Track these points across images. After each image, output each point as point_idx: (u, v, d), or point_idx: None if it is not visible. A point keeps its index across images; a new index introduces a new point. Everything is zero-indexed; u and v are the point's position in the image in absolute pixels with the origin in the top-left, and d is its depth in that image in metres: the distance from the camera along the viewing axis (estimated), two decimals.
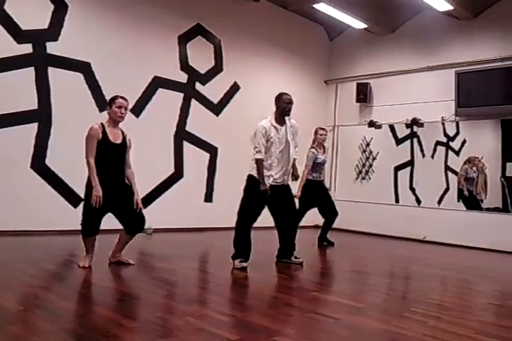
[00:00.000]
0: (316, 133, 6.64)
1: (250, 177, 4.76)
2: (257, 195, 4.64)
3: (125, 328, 2.61)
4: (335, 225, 8.89)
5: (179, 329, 2.68)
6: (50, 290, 3.34)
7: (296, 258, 5.05)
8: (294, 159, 4.94)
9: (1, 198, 5.66)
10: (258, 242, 4.94)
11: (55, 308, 2.96)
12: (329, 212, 6.79)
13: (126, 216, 4.23)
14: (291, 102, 4.83)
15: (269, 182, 4.66)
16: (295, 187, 5.98)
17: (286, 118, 4.87)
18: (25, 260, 4.29)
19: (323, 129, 6.69)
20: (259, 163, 4.65)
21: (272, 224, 5.12)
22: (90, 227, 4.12)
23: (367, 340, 2.75)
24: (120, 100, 4.22)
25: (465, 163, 7.98)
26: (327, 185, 8.02)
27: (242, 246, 4.67)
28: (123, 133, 4.32)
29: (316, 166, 6.57)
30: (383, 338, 2.82)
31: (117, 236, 4.41)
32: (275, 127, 4.75)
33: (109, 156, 4.15)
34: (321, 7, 7.87)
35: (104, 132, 4.14)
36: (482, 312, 3.52)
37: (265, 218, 4.91)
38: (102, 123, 4.19)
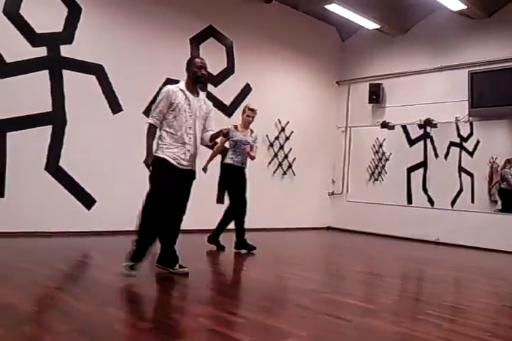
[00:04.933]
0: (243, 112, 5.81)
1: (158, 159, 3.91)
2: (164, 176, 3.88)
3: (137, 329, 2.62)
4: (349, 227, 8.84)
5: (191, 330, 2.69)
6: (64, 291, 3.37)
7: (180, 267, 4.15)
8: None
9: (16, 199, 5.72)
10: (262, 243, 4.93)
11: (68, 309, 2.98)
12: (243, 210, 5.79)
13: None
14: (204, 66, 4.06)
15: (183, 158, 3.94)
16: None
17: (201, 93, 4.18)
18: (39, 261, 4.33)
19: (251, 110, 5.72)
20: (150, 129, 3.92)
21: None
22: None
23: None
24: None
25: (505, 163, 7.84)
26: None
27: (141, 245, 3.86)
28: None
29: (235, 147, 5.62)
30: (396, 340, 2.80)
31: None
32: (184, 93, 3.98)
33: None
34: (333, 8, 7.86)
35: None
36: (497, 315, 3.49)
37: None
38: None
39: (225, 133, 4.07)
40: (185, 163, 3.98)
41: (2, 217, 5.60)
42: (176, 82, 7.19)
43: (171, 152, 3.92)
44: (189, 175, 4.10)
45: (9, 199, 5.69)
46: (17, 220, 5.68)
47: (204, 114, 4.11)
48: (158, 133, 4.00)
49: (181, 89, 3.98)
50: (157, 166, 3.90)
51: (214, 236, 5.81)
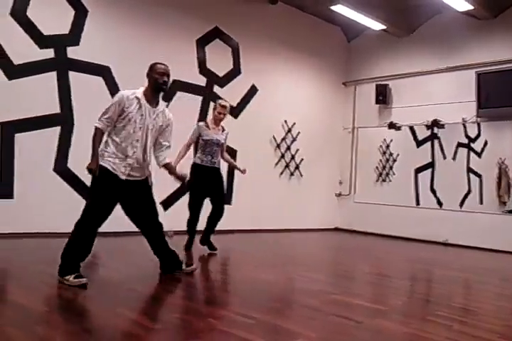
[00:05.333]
0: (214, 108, 5.50)
1: (100, 168, 3.58)
2: (105, 188, 3.63)
3: (147, 329, 2.63)
4: (356, 228, 8.83)
5: (201, 330, 2.69)
6: (74, 292, 3.38)
7: (187, 266, 4.16)
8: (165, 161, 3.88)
9: (25, 200, 5.75)
10: (269, 244, 4.93)
11: (79, 309, 2.99)
12: (220, 211, 5.50)
13: None
14: (166, 73, 3.77)
15: (122, 171, 3.64)
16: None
17: (162, 104, 3.86)
18: (49, 262, 4.33)
19: (223, 106, 5.38)
20: (97, 133, 3.61)
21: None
22: None
23: None
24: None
25: None
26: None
27: (76, 256, 3.59)
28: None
29: (205, 146, 5.30)
30: None
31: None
32: (139, 102, 3.66)
33: None
34: (339, 9, 7.84)
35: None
36: (507, 316, 3.47)
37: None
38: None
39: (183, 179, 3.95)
40: (125, 176, 3.66)
41: (12, 218, 5.64)
42: (184, 83, 7.28)
43: (111, 162, 3.61)
44: (140, 185, 3.79)
45: (18, 200, 5.73)
46: (26, 221, 5.71)
47: (158, 127, 3.77)
48: (104, 138, 3.69)
49: (137, 97, 3.66)
50: (98, 177, 3.59)
51: (204, 237, 5.57)
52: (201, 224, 5.52)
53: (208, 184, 5.34)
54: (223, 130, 5.49)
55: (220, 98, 6.59)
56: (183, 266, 4.11)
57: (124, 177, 3.64)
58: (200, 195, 5.35)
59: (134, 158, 3.66)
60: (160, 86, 3.73)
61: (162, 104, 3.85)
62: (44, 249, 5.18)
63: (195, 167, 5.32)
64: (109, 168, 3.60)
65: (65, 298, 3.27)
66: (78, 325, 2.66)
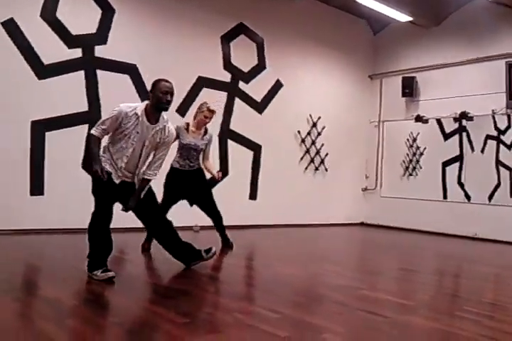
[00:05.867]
0: (200, 111, 5.03)
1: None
2: (103, 190, 3.68)
3: (175, 324, 2.67)
4: (382, 222, 8.74)
5: (228, 325, 2.72)
6: (103, 286, 3.45)
7: (207, 252, 4.13)
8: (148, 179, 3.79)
9: (55, 197, 5.90)
10: (295, 239, 4.92)
11: (107, 303, 3.06)
12: (211, 213, 5.30)
13: None
14: (170, 92, 3.64)
15: (115, 177, 3.68)
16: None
17: (163, 121, 3.70)
18: (78, 257, 4.43)
19: (211, 111, 5.02)
20: (93, 139, 3.62)
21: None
22: None
23: (418, 339, 2.70)
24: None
25: None
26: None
27: (99, 254, 3.70)
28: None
29: (182, 149, 4.96)
30: (435, 337, 2.77)
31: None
32: (137, 120, 3.59)
33: None
34: (364, 1, 7.74)
35: None
36: None
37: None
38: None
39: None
40: (119, 181, 3.70)
41: (42, 214, 5.79)
42: (210, 79, 7.30)
43: (108, 167, 3.65)
44: (135, 186, 3.79)
45: (48, 197, 5.87)
46: (56, 217, 5.85)
47: (155, 143, 3.71)
48: (104, 143, 3.74)
49: (136, 114, 3.58)
50: (96, 179, 3.64)
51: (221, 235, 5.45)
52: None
53: (185, 187, 5.04)
54: (205, 134, 5.08)
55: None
56: (203, 254, 4.10)
57: (117, 182, 3.69)
58: (173, 198, 5.00)
59: (125, 170, 3.68)
60: (162, 106, 3.63)
61: (163, 120, 3.71)
62: (73, 244, 5.29)
63: (172, 170, 5.01)
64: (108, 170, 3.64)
65: (95, 292, 3.35)
66: (107, 318, 2.72)
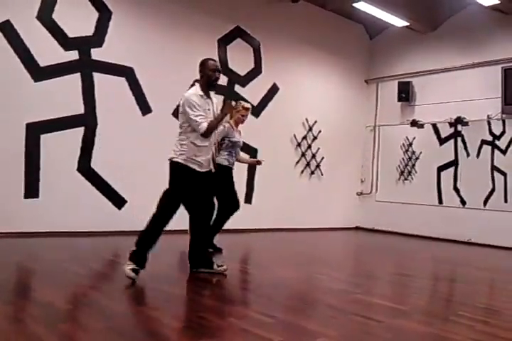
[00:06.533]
0: (236, 110, 5.24)
1: (177, 164, 3.84)
2: (190, 185, 3.89)
3: (170, 328, 2.67)
4: (378, 227, 8.74)
5: (223, 329, 2.72)
6: (98, 290, 3.45)
7: (219, 266, 4.17)
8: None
9: (50, 200, 5.88)
10: (290, 243, 4.93)
11: (102, 307, 3.04)
12: (230, 202, 5.34)
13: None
14: (218, 70, 3.96)
15: (199, 170, 3.87)
16: None
17: (212, 94, 4.05)
18: (74, 260, 4.44)
19: (246, 109, 5.31)
20: (208, 129, 3.80)
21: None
22: None
23: None
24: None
25: None
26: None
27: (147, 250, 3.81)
28: None
29: (232, 147, 5.22)
30: None
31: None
32: (204, 99, 3.90)
33: None
34: (361, 6, 7.79)
35: None
36: None
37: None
38: None
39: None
40: (205, 167, 3.93)
41: (37, 217, 5.77)
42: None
43: (192, 159, 3.83)
44: (209, 177, 4.03)
45: (43, 200, 5.85)
46: (51, 220, 5.83)
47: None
48: (180, 140, 3.89)
49: (201, 95, 3.87)
50: (178, 172, 3.85)
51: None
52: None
53: (231, 185, 5.32)
54: (240, 133, 5.43)
55: (244, 100, 6.62)
56: (214, 266, 4.13)
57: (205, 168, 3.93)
58: (230, 194, 5.31)
59: (207, 155, 3.91)
60: (213, 82, 3.93)
61: (212, 94, 4.04)
62: (68, 247, 5.28)
63: (223, 168, 5.03)
64: (189, 165, 3.83)
65: (90, 296, 3.34)
66: (101, 323, 2.71)
